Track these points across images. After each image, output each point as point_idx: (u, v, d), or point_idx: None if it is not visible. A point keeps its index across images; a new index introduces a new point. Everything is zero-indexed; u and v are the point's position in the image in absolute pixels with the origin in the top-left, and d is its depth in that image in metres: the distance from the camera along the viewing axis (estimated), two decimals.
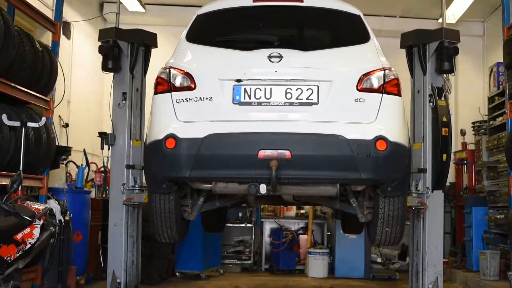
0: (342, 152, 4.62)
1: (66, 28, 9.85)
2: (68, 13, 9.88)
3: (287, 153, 4.58)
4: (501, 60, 7.84)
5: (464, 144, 10.99)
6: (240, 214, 11.17)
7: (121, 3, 9.79)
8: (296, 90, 4.78)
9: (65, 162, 8.59)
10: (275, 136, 4.64)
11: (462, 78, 11.29)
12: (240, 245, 11.37)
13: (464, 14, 11.01)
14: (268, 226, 11.35)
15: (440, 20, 9.80)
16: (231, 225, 11.01)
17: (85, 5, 10.95)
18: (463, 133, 10.87)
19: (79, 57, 10.45)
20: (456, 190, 11.00)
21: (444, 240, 7.27)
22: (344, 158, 4.62)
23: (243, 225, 11.21)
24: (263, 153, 4.59)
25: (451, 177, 9.84)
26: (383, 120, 4.77)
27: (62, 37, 8.21)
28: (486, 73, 11.32)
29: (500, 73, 9.49)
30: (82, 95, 10.64)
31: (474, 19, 11.75)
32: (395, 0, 11.07)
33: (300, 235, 11.10)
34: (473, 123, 10.93)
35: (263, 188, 4.71)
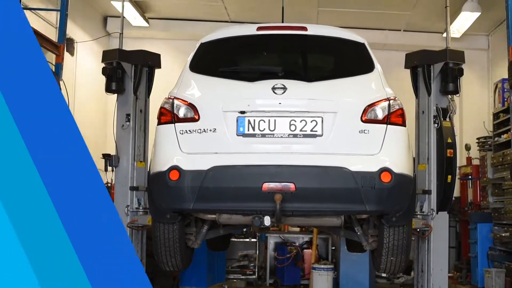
0: (347, 184, 4.57)
1: (70, 44, 9.83)
2: (72, 29, 9.87)
3: (291, 185, 4.53)
4: (506, 75, 7.79)
5: (469, 159, 10.94)
6: (245, 229, 11.10)
7: (124, 17, 9.79)
8: (300, 121, 4.72)
9: None
10: (279, 169, 4.59)
11: (467, 91, 11.25)
12: (245, 259, 11.29)
13: (469, 28, 10.94)
14: (273, 240, 11.28)
15: (444, 35, 9.76)
16: (235, 239, 10.96)
17: (88, 20, 10.94)
18: (467, 148, 10.81)
19: (83, 73, 10.45)
20: (461, 205, 10.95)
21: (449, 255, 7.24)
22: (349, 190, 4.57)
23: (248, 239, 11.14)
24: (267, 186, 4.54)
25: (456, 192, 9.80)
26: (388, 152, 4.71)
27: (66, 54, 8.20)
28: (491, 86, 11.29)
29: (505, 90, 9.45)
30: (86, 111, 10.63)
31: (479, 32, 11.69)
32: (400, 14, 10.98)
33: (305, 250, 11.04)
34: (478, 138, 10.86)
35: (267, 220, 4.65)
